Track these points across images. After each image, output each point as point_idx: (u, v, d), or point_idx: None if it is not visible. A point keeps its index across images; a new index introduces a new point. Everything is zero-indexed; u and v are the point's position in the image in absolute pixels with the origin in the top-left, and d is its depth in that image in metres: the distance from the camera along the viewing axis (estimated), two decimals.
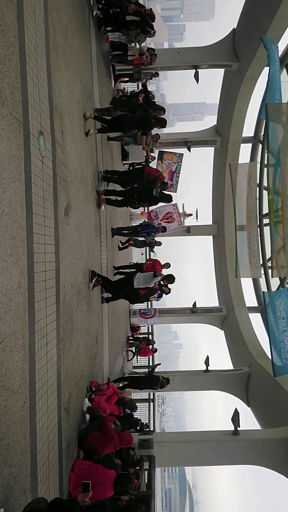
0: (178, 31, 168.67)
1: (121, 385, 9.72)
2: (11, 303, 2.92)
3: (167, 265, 11.83)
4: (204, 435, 9.83)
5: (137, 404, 14.42)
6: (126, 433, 5.39)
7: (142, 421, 12.72)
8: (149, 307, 17.03)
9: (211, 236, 19.20)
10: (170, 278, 8.03)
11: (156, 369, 12.83)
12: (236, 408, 9.16)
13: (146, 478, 8.53)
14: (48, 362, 3.88)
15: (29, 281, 3.32)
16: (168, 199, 8.51)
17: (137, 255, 20.97)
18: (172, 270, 10.16)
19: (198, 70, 14.34)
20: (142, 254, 20.79)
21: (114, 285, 7.42)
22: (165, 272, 11.94)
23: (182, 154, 17.60)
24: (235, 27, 13.30)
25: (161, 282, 8.10)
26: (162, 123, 7.81)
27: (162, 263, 11.88)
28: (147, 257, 19.67)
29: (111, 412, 6.21)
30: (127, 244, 11.84)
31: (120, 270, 10.56)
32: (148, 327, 18.10)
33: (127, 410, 6.93)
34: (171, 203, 18.27)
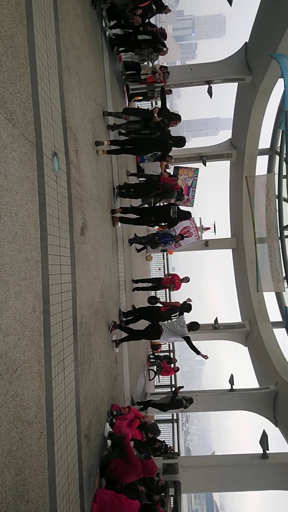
0: (190, 49, 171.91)
1: (142, 406, 9.46)
2: (25, 328, 2.81)
3: (186, 279, 11.62)
4: (231, 459, 9.40)
5: (160, 425, 14.13)
6: (150, 462, 5.15)
7: (166, 443, 12.33)
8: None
9: (231, 250, 18.92)
10: (194, 326, 7.49)
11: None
12: (264, 430, 8.75)
13: (172, 504, 8.17)
14: (66, 388, 3.74)
15: (44, 304, 3.21)
16: (187, 216, 8.15)
17: (155, 270, 20.85)
18: (192, 285, 10.00)
19: (211, 85, 14.41)
20: (159, 269, 20.66)
21: (137, 334, 7.16)
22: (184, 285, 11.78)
23: (198, 169, 17.55)
24: (247, 41, 13.33)
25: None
26: (181, 143, 7.10)
27: (181, 277, 11.68)
28: (166, 272, 19.52)
29: (133, 437, 5.97)
30: (144, 248, 12.17)
31: (139, 284, 10.77)
32: (169, 344, 17.76)
33: (149, 434, 6.67)
34: None
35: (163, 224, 8.45)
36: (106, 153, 6.48)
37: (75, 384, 4.10)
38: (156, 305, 9.89)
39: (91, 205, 5.45)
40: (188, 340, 6.99)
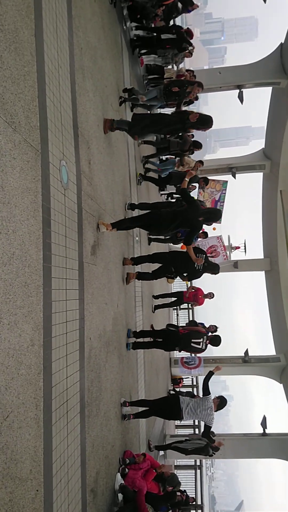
0: (219, 54, 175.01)
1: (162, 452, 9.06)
2: (20, 366, 2.62)
3: (211, 296, 11.25)
4: None
5: (181, 472, 13.55)
6: None
7: (187, 493, 11.76)
8: (193, 355, 16.30)
9: (263, 272, 18.47)
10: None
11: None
12: None
13: None
14: (69, 435, 3.50)
15: (45, 337, 3.02)
16: (214, 270, 7.09)
17: (177, 284, 20.40)
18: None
19: (242, 90, 14.36)
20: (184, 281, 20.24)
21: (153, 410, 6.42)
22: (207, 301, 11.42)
23: (227, 182, 17.37)
24: (282, 42, 13.27)
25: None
26: (215, 217, 5.82)
27: (205, 292, 11.36)
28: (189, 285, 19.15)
29: (149, 491, 5.62)
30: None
31: (160, 299, 10.89)
32: (192, 378, 17.25)
33: (168, 487, 6.30)
34: (215, 235, 17.98)
35: (184, 275, 7.66)
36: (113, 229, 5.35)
37: (81, 430, 3.86)
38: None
39: (105, 221, 5.30)
40: (206, 429, 6.26)
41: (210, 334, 7.39)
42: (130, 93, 7.45)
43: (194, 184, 10.40)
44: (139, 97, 7.26)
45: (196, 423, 15.09)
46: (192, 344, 7.10)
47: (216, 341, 7.17)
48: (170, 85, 7.55)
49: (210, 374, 6.33)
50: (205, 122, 7.06)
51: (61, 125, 3.69)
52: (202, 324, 10.07)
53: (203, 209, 5.87)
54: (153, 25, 9.50)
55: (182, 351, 7.82)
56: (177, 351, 8.16)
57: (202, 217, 5.61)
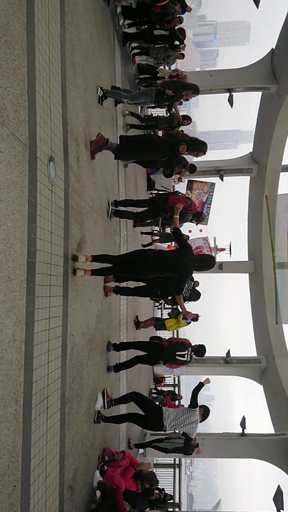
0: (211, 56, 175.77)
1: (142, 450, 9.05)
2: (1, 361, 2.60)
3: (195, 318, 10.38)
4: None
5: (160, 470, 13.57)
6: None
7: (165, 491, 11.81)
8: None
9: (247, 274, 18.64)
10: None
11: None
12: (279, 486, 8.29)
13: None
14: (48, 431, 3.49)
15: (27, 332, 3.00)
16: (196, 298, 7.38)
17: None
18: (203, 311, 9.45)
19: (232, 93, 14.46)
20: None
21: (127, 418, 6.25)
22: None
23: (214, 184, 17.50)
24: (273, 47, 13.40)
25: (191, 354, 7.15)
26: (208, 267, 5.18)
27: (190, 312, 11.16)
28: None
29: (127, 488, 5.64)
30: (151, 242, 12.08)
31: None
32: (174, 378, 17.33)
33: (146, 485, 6.31)
34: (202, 236, 18.05)
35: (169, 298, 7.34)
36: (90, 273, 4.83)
37: (61, 426, 3.84)
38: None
39: (91, 218, 5.29)
40: (188, 440, 6.28)
41: (194, 345, 7.16)
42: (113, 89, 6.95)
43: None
44: (125, 101, 6.98)
45: None
46: (176, 357, 7.02)
47: (200, 351, 7.04)
48: (164, 86, 7.30)
49: (201, 385, 6.23)
50: (198, 146, 6.15)
51: (50, 121, 3.67)
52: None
53: (196, 256, 5.29)
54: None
55: (166, 364, 7.57)
56: (162, 365, 7.86)
57: (194, 265, 5.02)
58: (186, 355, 6.88)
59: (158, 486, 8.81)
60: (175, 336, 16.36)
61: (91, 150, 5.25)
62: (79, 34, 4.92)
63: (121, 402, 6.14)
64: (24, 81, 3.04)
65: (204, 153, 6.28)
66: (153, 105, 8.02)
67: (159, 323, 10.57)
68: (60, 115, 4.04)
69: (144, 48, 10.09)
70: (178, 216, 5.37)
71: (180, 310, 7.88)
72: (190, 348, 6.94)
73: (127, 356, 7.64)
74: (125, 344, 6.85)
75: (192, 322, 9.42)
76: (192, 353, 6.98)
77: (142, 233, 11.54)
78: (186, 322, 9.77)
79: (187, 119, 8.90)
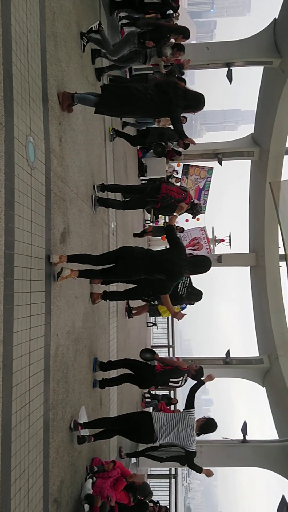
0: (208, 28, 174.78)
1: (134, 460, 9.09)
2: None
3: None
4: None
5: (155, 481, 13.66)
6: None
7: (160, 504, 11.92)
8: (171, 355, 16.46)
9: (248, 267, 18.74)
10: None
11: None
12: (283, 496, 8.41)
13: None
14: (30, 439, 3.48)
15: (5, 332, 2.99)
16: (198, 298, 7.11)
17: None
18: (201, 308, 9.60)
19: (231, 68, 14.40)
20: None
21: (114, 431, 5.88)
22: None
23: (212, 169, 17.49)
24: (276, 17, 13.36)
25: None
26: (203, 270, 5.17)
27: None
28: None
29: (118, 501, 5.67)
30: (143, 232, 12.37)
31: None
32: None
33: (139, 497, 6.35)
34: (199, 226, 18.10)
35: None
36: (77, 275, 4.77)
37: (44, 434, 3.84)
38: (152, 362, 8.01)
39: (76, 206, 5.26)
40: (189, 456, 5.44)
41: (192, 368, 7.02)
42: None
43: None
44: (109, 57, 6.83)
45: None
46: (170, 383, 6.97)
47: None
48: (146, 36, 6.84)
49: (200, 384, 5.74)
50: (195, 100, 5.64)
51: (28, 97, 3.62)
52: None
53: (189, 258, 5.11)
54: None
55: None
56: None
57: (186, 268, 4.90)
58: (180, 381, 6.93)
59: (152, 499, 8.89)
60: (171, 335, 16.47)
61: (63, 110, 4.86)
62: (60, 1, 4.85)
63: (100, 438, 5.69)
64: None
65: (202, 108, 5.80)
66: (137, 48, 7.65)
67: (153, 309, 10.79)
68: (40, 91, 4.00)
69: (133, 18, 9.98)
70: (177, 214, 5.31)
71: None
72: (186, 374, 6.96)
73: (117, 357, 7.67)
74: (113, 364, 6.58)
75: (188, 306, 9.74)
76: (188, 377, 6.98)
77: (134, 235, 11.73)
78: (180, 308, 9.88)
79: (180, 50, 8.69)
